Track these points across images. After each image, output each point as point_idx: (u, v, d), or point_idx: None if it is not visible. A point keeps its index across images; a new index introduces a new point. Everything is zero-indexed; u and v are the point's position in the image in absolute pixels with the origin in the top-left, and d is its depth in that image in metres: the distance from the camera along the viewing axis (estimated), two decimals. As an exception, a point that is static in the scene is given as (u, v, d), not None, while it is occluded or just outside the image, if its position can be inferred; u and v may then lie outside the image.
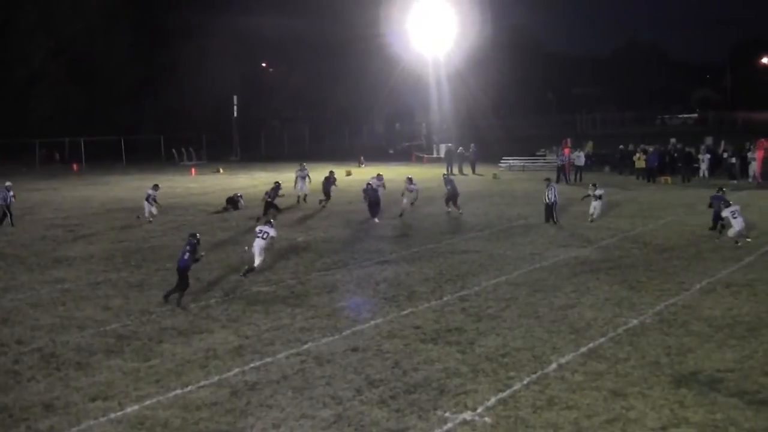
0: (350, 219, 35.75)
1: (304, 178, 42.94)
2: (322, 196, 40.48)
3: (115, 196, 47.46)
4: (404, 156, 76.76)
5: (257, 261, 24.11)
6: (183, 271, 21.06)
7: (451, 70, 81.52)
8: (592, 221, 32.47)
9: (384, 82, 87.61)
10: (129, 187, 52.94)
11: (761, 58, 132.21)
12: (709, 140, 56.95)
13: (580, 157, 52.43)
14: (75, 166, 69.96)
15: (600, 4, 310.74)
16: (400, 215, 35.74)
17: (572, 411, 13.44)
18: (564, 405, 13.69)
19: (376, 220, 34.43)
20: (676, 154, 52.30)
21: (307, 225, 34.24)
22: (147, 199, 36.07)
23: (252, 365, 16.06)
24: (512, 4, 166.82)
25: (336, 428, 13.03)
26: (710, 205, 30.29)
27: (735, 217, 27.51)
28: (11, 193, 35.88)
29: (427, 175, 55.71)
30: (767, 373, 15.02)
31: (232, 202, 40.55)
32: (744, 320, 18.46)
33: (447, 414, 13.46)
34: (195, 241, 21.50)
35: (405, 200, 36.28)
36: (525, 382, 14.80)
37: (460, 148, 61.74)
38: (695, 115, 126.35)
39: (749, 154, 48.85)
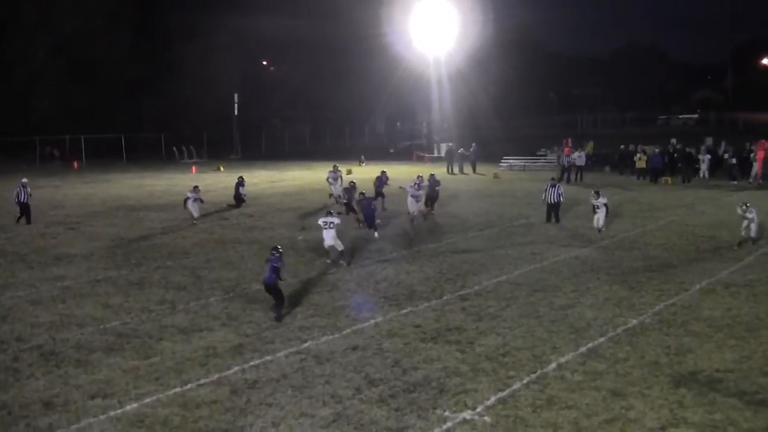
0: (351, 218, 35.70)
1: (336, 179, 42.19)
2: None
3: (115, 194, 47.49)
4: (405, 155, 76.79)
5: (340, 246, 25.82)
6: (272, 288, 19.71)
7: (452, 70, 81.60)
8: (600, 231, 30.33)
9: (385, 81, 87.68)
10: (129, 185, 53.00)
11: (762, 59, 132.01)
12: (709, 141, 57.00)
13: (581, 157, 52.42)
14: (75, 164, 69.99)
15: (601, 4, 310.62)
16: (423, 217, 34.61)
17: (572, 410, 13.45)
18: (563, 404, 13.70)
19: (376, 234, 30.47)
20: (676, 155, 52.31)
21: (307, 223, 34.21)
22: (185, 202, 35.15)
23: (252, 363, 16.07)
24: (513, 4, 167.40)
25: (335, 427, 13.04)
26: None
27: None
28: (28, 190, 35.85)
29: (428, 174, 55.77)
30: (766, 374, 15.02)
31: (238, 199, 40.42)
32: (743, 320, 18.47)
33: (447, 413, 13.46)
34: (278, 254, 20.10)
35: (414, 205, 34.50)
36: (525, 381, 14.81)
37: (461, 147, 61.76)
38: (696, 115, 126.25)
39: (750, 155, 48.91)
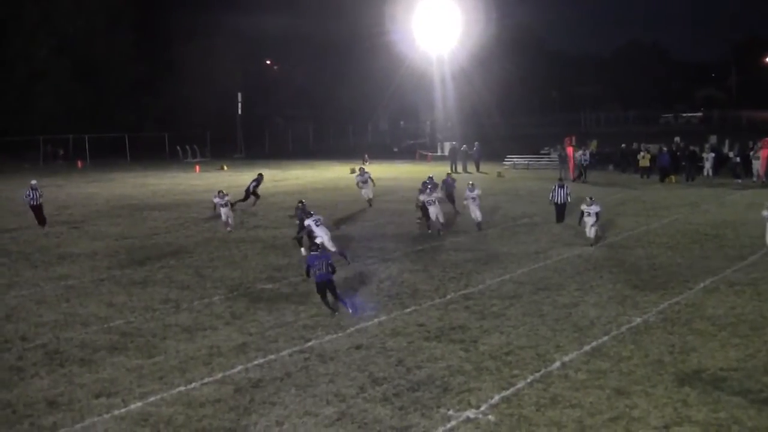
0: (355, 217, 35.75)
1: (366, 182, 39.89)
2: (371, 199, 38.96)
3: (119, 194, 47.54)
4: (409, 154, 76.81)
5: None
6: (330, 284, 19.70)
7: (456, 69, 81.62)
8: (593, 245, 27.46)
9: (388, 80, 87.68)
10: (133, 184, 53.06)
11: (765, 57, 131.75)
12: (713, 139, 56.99)
13: (584, 156, 52.38)
14: (79, 163, 70.07)
15: (602, 2, 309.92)
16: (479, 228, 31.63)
17: (576, 409, 13.44)
18: (567, 403, 13.69)
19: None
20: (679, 153, 52.29)
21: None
22: (216, 208, 32.63)
23: (256, 362, 16.07)
24: (515, 3, 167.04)
25: (339, 425, 13.04)
26: None
27: None
28: (38, 192, 34.88)
29: (431, 173, 55.75)
30: (771, 372, 15.01)
31: (252, 194, 40.00)
32: (747, 319, 18.44)
33: (450, 412, 13.46)
34: (319, 249, 20.57)
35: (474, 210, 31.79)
36: (529, 380, 14.80)
37: (464, 146, 61.76)
38: (699, 113, 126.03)
39: (751, 153, 48.86)
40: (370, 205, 38.34)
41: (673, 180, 48.45)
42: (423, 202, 31.24)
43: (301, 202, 29.23)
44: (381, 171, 58.86)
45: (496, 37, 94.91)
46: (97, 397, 14.39)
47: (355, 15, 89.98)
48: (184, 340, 17.72)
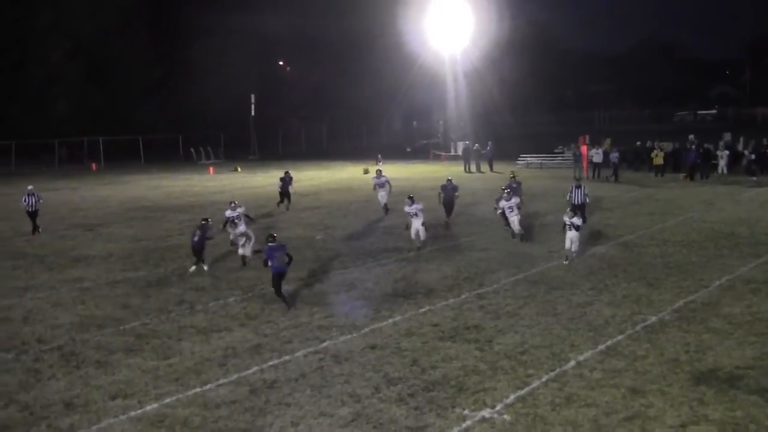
0: (369, 217, 35.76)
1: (383, 185, 36.63)
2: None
3: (133, 196, 47.69)
4: (422, 154, 76.79)
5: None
6: (284, 274, 20.90)
7: (468, 68, 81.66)
8: (567, 261, 24.77)
9: (401, 80, 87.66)
10: (147, 186, 53.21)
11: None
12: (728, 136, 56.68)
13: (598, 155, 52.21)
14: (93, 166, 70.30)
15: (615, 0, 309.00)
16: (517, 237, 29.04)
17: (591, 408, 13.42)
18: (583, 402, 13.68)
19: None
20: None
21: (325, 223, 34.27)
22: (226, 225, 27.94)
23: (270, 363, 16.11)
24: (528, 1, 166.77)
25: (354, 426, 13.05)
26: None
27: None
28: (35, 197, 33.63)
29: (445, 173, 55.75)
30: (787, 370, 14.96)
31: (286, 194, 38.89)
32: (764, 317, 18.36)
33: (466, 411, 13.46)
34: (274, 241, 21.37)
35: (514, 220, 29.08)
36: (544, 379, 14.79)
37: (477, 145, 61.68)
38: (714, 111, 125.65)
39: (767, 150, 48.65)
40: (386, 212, 35.79)
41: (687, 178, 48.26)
42: (502, 209, 28.96)
43: (205, 220, 25.82)
44: (394, 171, 58.80)
45: (509, 36, 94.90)
46: (113, 398, 14.45)
47: (367, 15, 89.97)
48: (200, 341, 17.78)
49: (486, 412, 13.39)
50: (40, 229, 33.52)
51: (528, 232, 29.52)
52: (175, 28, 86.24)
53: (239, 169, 65.39)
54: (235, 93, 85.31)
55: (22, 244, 31.33)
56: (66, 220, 37.39)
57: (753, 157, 48.97)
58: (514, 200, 28.89)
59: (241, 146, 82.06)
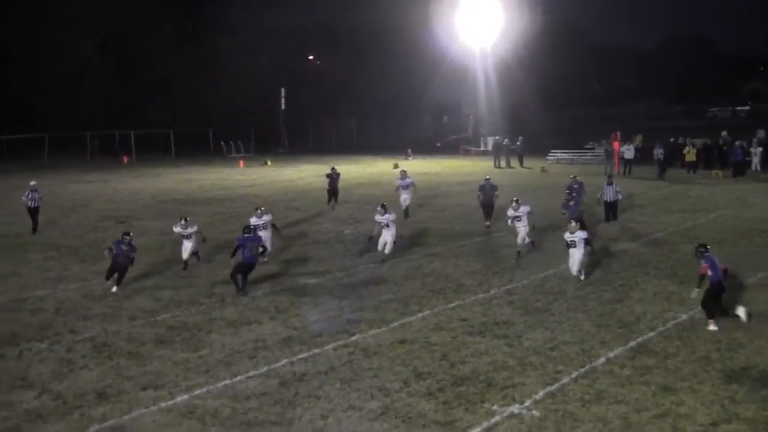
0: (398, 212, 35.69)
1: (407, 187, 34.25)
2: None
3: (164, 188, 47.96)
4: (452, 149, 76.68)
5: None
6: (251, 268, 21.59)
7: (498, 63, 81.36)
8: (581, 280, 22.17)
9: (431, 74, 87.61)
10: (178, 179, 53.49)
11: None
12: (761, 133, 56.16)
13: (629, 150, 51.87)
14: (125, 159, 70.72)
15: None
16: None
17: (621, 405, 13.37)
18: (613, 399, 13.63)
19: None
20: (725, 148, 51.66)
21: (354, 218, 34.30)
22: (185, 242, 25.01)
23: (300, 356, 16.17)
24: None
25: (383, 420, 13.08)
26: None
27: None
28: (38, 194, 32.39)
29: (474, 168, 55.75)
30: (820, 370, 14.83)
31: (334, 192, 37.07)
32: (796, 316, 18.22)
33: (494, 407, 13.45)
34: (251, 233, 22.24)
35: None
36: (573, 375, 14.75)
37: (506, 140, 61.50)
38: (747, 107, 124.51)
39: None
40: (407, 216, 33.25)
41: (719, 175, 47.91)
42: (511, 218, 25.95)
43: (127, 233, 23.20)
44: (424, 166, 58.93)
45: (539, 30, 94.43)
46: (144, 389, 14.56)
47: (397, 9, 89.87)
48: (230, 334, 17.87)
49: (515, 408, 13.38)
50: (38, 228, 31.97)
51: (559, 227, 29.34)
52: (205, 22, 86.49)
53: (269, 163, 65.58)
54: (265, 87, 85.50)
55: (56, 235, 31.58)
56: (98, 212, 37.67)
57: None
58: (524, 209, 25.58)
59: (271, 140, 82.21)
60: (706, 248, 17.90)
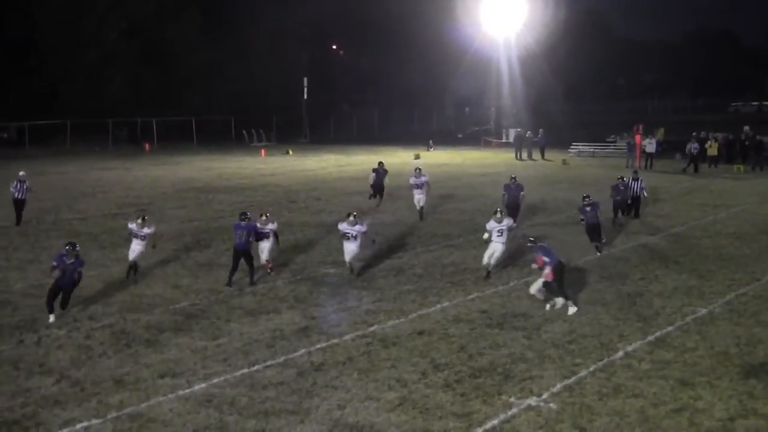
0: (411, 213, 35.65)
1: (420, 186, 31.96)
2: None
3: (185, 176, 48.04)
4: (473, 140, 76.53)
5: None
6: (246, 254, 21.49)
7: (522, 55, 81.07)
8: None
9: (454, 65, 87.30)
10: (199, 167, 53.58)
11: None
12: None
13: (651, 144, 51.55)
14: (147, 146, 70.92)
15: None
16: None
17: (638, 399, 13.34)
18: (630, 393, 13.59)
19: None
20: (747, 143, 51.26)
21: (375, 209, 34.26)
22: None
23: (318, 346, 16.21)
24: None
25: (401, 410, 13.09)
26: None
27: None
28: (26, 185, 31.07)
29: (496, 160, 55.64)
30: (840, 367, 14.74)
31: (379, 189, 34.18)
32: (817, 312, 18.12)
33: (512, 399, 13.45)
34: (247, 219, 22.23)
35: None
36: (591, 369, 14.72)
37: (529, 132, 61.28)
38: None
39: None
40: (421, 218, 31.58)
41: (741, 169, 47.58)
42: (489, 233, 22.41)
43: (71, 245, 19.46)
44: (446, 157, 58.88)
45: (563, 22, 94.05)
46: (162, 377, 14.63)
47: (422, 0, 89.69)
48: (248, 322, 17.93)
49: (532, 401, 13.37)
50: (19, 222, 30.63)
51: (579, 221, 29.22)
52: (228, 10, 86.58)
53: (290, 152, 65.60)
54: (287, 76, 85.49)
55: (76, 222, 31.75)
56: (119, 199, 37.82)
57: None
58: (507, 222, 22.56)
59: (292, 129, 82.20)
60: (534, 241, 19.40)
